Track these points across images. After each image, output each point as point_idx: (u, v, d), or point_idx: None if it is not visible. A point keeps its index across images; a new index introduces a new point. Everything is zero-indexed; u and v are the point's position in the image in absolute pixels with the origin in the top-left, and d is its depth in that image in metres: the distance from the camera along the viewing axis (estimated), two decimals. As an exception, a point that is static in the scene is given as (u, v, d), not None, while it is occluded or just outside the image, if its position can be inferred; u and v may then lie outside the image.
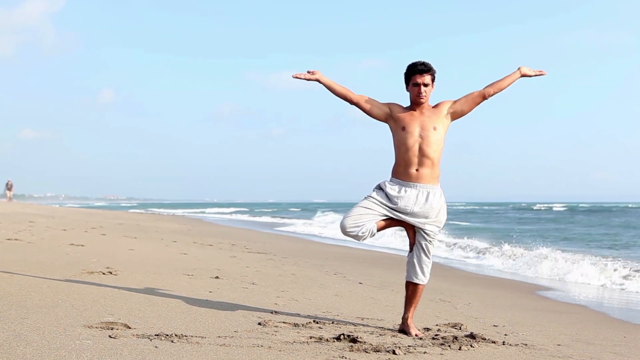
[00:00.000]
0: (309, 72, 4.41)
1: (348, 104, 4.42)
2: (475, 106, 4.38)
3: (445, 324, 4.84)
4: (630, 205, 77.76)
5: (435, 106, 4.38)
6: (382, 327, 4.55)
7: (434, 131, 4.29)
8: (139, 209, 64.04)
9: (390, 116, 4.37)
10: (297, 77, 4.39)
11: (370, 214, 4.30)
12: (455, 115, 4.37)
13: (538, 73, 4.55)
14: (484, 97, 4.37)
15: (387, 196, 4.32)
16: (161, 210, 63.71)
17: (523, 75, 4.48)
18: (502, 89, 4.42)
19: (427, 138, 4.28)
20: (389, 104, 4.41)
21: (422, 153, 4.29)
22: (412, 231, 4.40)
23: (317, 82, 4.42)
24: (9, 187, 41.98)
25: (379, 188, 4.39)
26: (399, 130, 4.33)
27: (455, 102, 4.38)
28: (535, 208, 70.59)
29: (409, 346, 3.88)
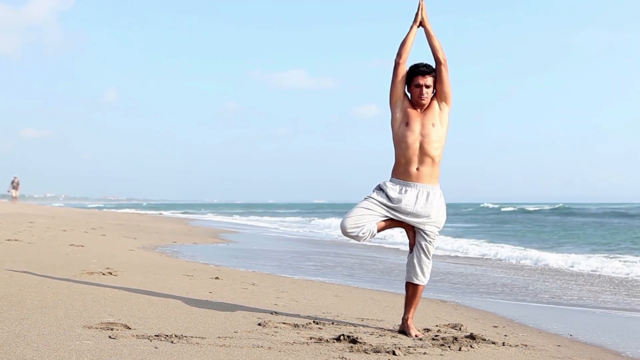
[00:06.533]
0: (423, 15, 4.47)
1: (396, 55, 4.41)
2: (448, 76, 4.38)
3: (445, 325, 4.84)
4: (596, 207, 69.67)
5: (428, 105, 4.39)
6: (382, 328, 4.55)
7: (433, 128, 4.31)
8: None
9: (402, 103, 4.39)
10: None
11: (370, 214, 4.30)
12: (444, 99, 4.37)
13: (420, 7, 4.53)
14: (443, 64, 4.38)
15: (388, 197, 4.33)
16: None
17: (419, 18, 4.48)
18: (435, 41, 4.42)
19: (427, 136, 4.30)
20: (407, 94, 4.43)
21: (422, 151, 4.30)
22: (412, 232, 4.41)
23: (414, 20, 4.46)
24: (14, 185, 36.30)
25: (379, 189, 4.39)
26: (402, 125, 4.34)
27: (435, 92, 4.40)
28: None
29: (409, 347, 3.88)
